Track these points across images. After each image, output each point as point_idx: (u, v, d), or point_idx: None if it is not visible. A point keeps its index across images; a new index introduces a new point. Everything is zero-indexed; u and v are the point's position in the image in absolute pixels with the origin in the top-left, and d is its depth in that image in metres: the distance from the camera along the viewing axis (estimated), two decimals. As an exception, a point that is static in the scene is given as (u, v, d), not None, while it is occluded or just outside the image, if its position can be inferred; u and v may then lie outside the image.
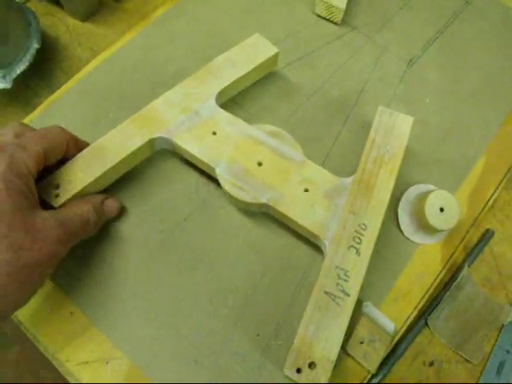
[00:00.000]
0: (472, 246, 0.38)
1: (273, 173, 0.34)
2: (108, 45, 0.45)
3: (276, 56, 0.39)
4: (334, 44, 0.45)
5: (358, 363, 0.32)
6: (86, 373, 0.32)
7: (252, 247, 0.35)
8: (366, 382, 0.33)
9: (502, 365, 0.35)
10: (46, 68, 0.44)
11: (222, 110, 0.36)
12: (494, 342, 0.36)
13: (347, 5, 0.44)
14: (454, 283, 0.36)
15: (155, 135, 0.35)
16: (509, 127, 0.42)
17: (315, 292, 0.31)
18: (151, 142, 0.35)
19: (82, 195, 0.33)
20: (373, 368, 0.32)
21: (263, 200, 0.33)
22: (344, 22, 0.46)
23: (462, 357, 0.35)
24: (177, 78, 0.39)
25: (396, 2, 0.48)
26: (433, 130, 0.41)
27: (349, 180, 0.34)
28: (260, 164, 0.34)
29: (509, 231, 0.39)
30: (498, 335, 0.36)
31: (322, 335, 0.29)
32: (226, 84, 0.37)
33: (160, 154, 0.38)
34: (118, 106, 0.41)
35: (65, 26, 0.47)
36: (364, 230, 0.32)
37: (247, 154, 0.35)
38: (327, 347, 0.29)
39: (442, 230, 0.35)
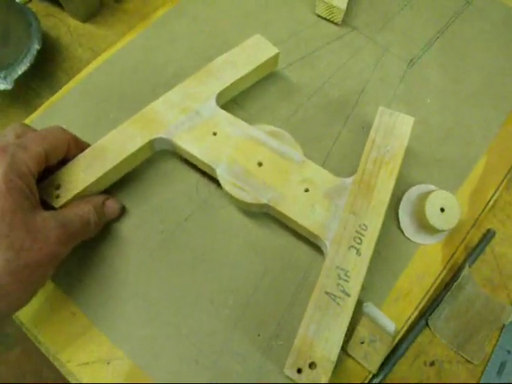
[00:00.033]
0: (473, 246, 0.38)
1: (273, 173, 0.34)
2: (108, 45, 0.45)
3: (276, 56, 0.39)
4: (334, 44, 0.45)
5: (359, 363, 0.32)
6: (87, 373, 0.32)
7: (252, 247, 0.35)
8: (366, 382, 0.33)
9: (503, 365, 0.35)
10: (46, 69, 0.45)
11: (222, 111, 0.36)
12: (495, 342, 0.36)
13: (348, 5, 0.44)
14: (455, 283, 0.36)
15: (155, 136, 0.35)
16: (510, 127, 0.42)
17: (316, 292, 0.31)
18: (151, 143, 0.35)
19: (82, 196, 0.33)
20: (373, 368, 0.32)
21: (263, 200, 0.33)
22: (344, 22, 0.46)
23: (462, 357, 0.35)
24: (177, 78, 0.39)
25: (396, 2, 0.48)
26: (434, 130, 0.41)
27: (349, 180, 0.34)
28: (260, 164, 0.34)
29: (510, 231, 0.39)
30: (499, 335, 0.36)
31: (322, 335, 0.29)
32: (227, 84, 0.37)
33: (160, 155, 0.38)
34: (119, 107, 0.41)
35: (65, 27, 0.47)
36: (364, 230, 0.32)
37: (247, 155, 0.35)
38: (328, 347, 0.29)
39: (443, 230, 0.35)
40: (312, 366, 0.29)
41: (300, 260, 0.35)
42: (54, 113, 0.40)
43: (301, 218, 0.33)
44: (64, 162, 0.33)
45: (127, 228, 0.36)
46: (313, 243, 0.35)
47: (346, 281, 0.31)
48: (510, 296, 0.37)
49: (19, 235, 0.26)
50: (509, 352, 0.36)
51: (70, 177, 0.32)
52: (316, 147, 0.39)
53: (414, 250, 0.36)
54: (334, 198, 0.34)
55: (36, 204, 0.29)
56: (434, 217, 0.34)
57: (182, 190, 0.37)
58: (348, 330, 0.30)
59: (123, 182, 0.36)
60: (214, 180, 0.36)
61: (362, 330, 0.32)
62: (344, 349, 0.32)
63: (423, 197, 0.36)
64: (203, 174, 0.37)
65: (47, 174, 0.32)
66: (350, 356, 0.32)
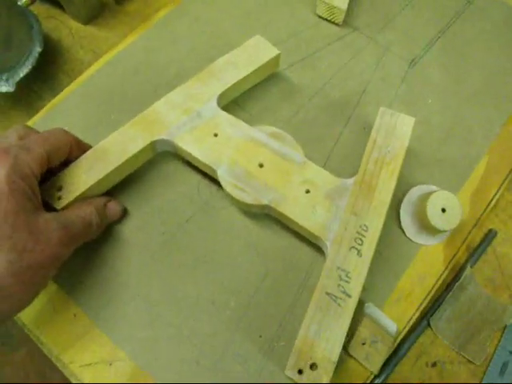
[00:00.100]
0: (475, 246, 0.38)
1: (274, 174, 0.34)
2: (110, 47, 0.45)
3: (277, 57, 0.40)
4: (335, 45, 0.45)
5: (361, 364, 0.32)
6: (89, 374, 0.32)
7: (254, 248, 0.36)
8: (368, 382, 0.33)
9: (505, 365, 0.35)
10: (48, 71, 0.45)
11: (223, 112, 0.36)
12: (496, 342, 0.36)
13: (348, 6, 0.44)
14: (457, 284, 0.36)
15: (157, 137, 0.35)
16: (511, 127, 0.42)
17: (316, 293, 0.31)
18: (153, 144, 0.35)
19: (84, 198, 0.33)
20: (375, 369, 0.32)
21: (264, 201, 0.33)
22: (345, 22, 0.46)
23: (464, 357, 0.35)
24: (179, 79, 0.39)
25: (397, 2, 0.48)
26: (435, 130, 0.41)
27: (350, 181, 0.34)
28: (261, 165, 0.34)
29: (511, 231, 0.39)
30: (501, 336, 0.36)
31: (323, 336, 0.29)
32: (228, 86, 0.37)
33: (162, 156, 0.38)
34: (120, 108, 0.41)
35: (67, 29, 0.47)
36: (365, 231, 0.32)
37: (248, 156, 0.35)
38: (328, 348, 0.29)
39: (444, 231, 0.35)
40: (313, 366, 0.29)
41: (301, 261, 0.35)
42: (56, 115, 0.41)
43: (302, 219, 0.33)
44: (66, 163, 0.33)
45: (129, 230, 0.36)
46: (314, 244, 0.35)
47: (346, 282, 0.31)
48: (512, 296, 0.37)
49: (22, 237, 0.26)
50: (511, 352, 0.35)
51: (71, 178, 0.33)
52: (317, 148, 0.39)
53: (416, 250, 0.36)
54: (334, 199, 0.34)
55: (38, 205, 0.29)
56: (435, 217, 0.34)
57: (184, 191, 0.37)
58: (349, 330, 0.30)
59: (125, 184, 0.37)
60: (216, 181, 0.36)
61: (363, 331, 0.32)
62: (345, 349, 0.32)
63: (424, 197, 0.36)
64: (204, 175, 0.37)
65: (49, 176, 0.32)
66: (351, 357, 0.32)
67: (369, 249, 0.32)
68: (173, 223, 0.36)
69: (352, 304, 0.30)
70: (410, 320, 0.34)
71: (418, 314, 0.35)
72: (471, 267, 0.37)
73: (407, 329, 0.34)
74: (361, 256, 0.32)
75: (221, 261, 0.35)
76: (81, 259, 0.35)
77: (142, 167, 0.37)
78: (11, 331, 0.93)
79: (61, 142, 0.32)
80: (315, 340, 0.29)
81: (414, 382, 0.34)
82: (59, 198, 0.32)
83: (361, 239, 0.32)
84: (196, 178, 0.38)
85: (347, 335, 0.30)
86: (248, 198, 0.33)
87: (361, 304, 0.33)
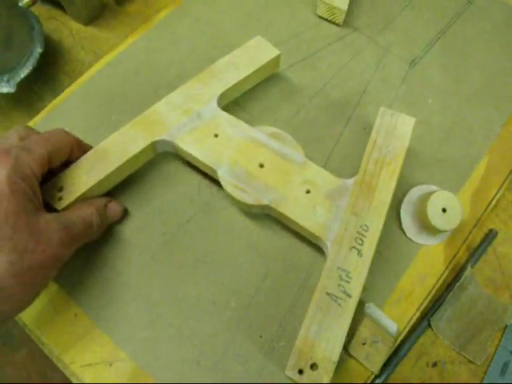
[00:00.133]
0: (475, 246, 0.38)
1: (274, 174, 0.34)
2: (111, 48, 0.45)
3: (278, 58, 0.40)
4: (335, 45, 0.45)
5: (361, 364, 0.32)
6: (90, 374, 0.32)
7: (254, 249, 0.36)
8: (369, 382, 0.33)
9: (505, 365, 0.35)
10: (49, 72, 0.45)
11: (223, 112, 0.36)
12: (497, 342, 0.36)
13: (349, 6, 0.44)
14: (457, 284, 0.36)
15: (157, 138, 0.35)
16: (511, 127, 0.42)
17: (317, 293, 0.31)
18: (153, 145, 0.35)
19: (85, 198, 0.33)
20: (375, 369, 0.32)
21: (265, 202, 0.33)
22: (346, 23, 0.46)
23: (465, 357, 0.35)
24: (179, 80, 0.39)
25: (398, 2, 0.48)
26: (435, 131, 0.41)
27: (350, 181, 0.34)
28: (262, 166, 0.34)
29: (512, 231, 0.39)
30: (502, 336, 0.36)
31: (323, 336, 0.29)
32: (228, 86, 0.37)
33: (162, 157, 0.38)
34: (121, 109, 0.41)
35: (68, 30, 0.47)
36: (366, 231, 0.32)
37: (249, 156, 0.35)
38: (329, 348, 0.29)
39: (445, 231, 0.35)
40: (313, 366, 0.29)
41: (301, 261, 0.35)
42: (57, 116, 0.41)
43: (302, 220, 0.33)
44: (67, 164, 0.33)
45: (129, 230, 0.36)
46: (314, 244, 0.35)
47: (347, 282, 0.31)
48: (513, 296, 0.37)
49: (22, 237, 0.26)
50: (511, 352, 0.35)
51: (72, 179, 0.33)
52: (317, 148, 0.39)
53: (416, 250, 0.36)
54: (335, 199, 0.34)
55: (39, 206, 0.29)
56: (435, 217, 0.34)
57: (184, 191, 0.37)
58: (350, 330, 0.30)
59: (125, 184, 0.37)
60: (216, 182, 0.36)
61: (363, 331, 0.32)
62: (346, 349, 0.32)
63: (425, 197, 0.36)
64: (205, 175, 0.37)
65: (50, 177, 0.32)
66: (351, 357, 0.32)
67: (369, 249, 0.32)
68: (173, 223, 0.36)
69: (352, 304, 0.30)
70: (410, 320, 0.34)
71: (418, 314, 0.35)
72: (472, 267, 0.37)
73: (408, 329, 0.34)
74: (361, 256, 0.32)
75: (221, 261, 0.35)
76: (81, 260, 0.35)
77: (143, 168, 0.37)
78: (12, 331, 0.94)
79: (61, 143, 0.32)
80: (316, 340, 0.29)
81: (414, 382, 0.34)
82: (60, 199, 0.32)
83: (361, 239, 0.32)
84: (196, 178, 0.38)
85: (348, 335, 0.30)
86: (248, 199, 0.33)
87: (361, 304, 0.33)
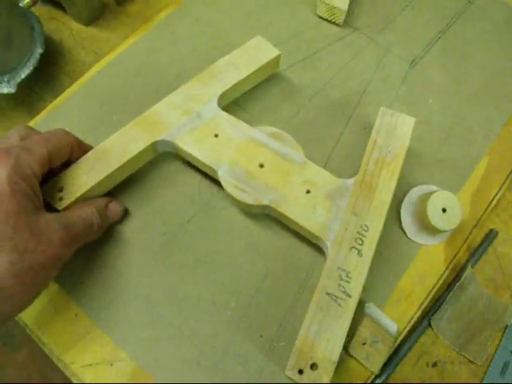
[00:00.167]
0: (475, 246, 0.38)
1: (274, 174, 0.34)
2: (111, 48, 0.46)
3: (278, 58, 0.40)
4: (335, 45, 0.45)
5: (361, 364, 0.32)
6: (90, 374, 0.32)
7: (254, 249, 0.36)
8: (369, 382, 0.33)
9: (506, 365, 0.35)
10: (50, 72, 0.45)
11: (223, 113, 0.36)
12: (497, 342, 0.36)
13: (349, 6, 0.44)
14: (458, 284, 0.36)
15: (158, 138, 0.35)
16: (512, 127, 0.42)
17: (317, 293, 0.31)
18: (154, 145, 0.36)
19: (85, 198, 0.33)
20: (375, 369, 0.32)
21: (265, 202, 0.33)
22: (346, 23, 0.46)
23: (465, 357, 0.35)
24: (180, 80, 0.39)
25: (398, 2, 0.48)
26: (435, 131, 0.41)
27: (350, 181, 0.34)
28: (262, 166, 0.34)
29: (512, 231, 0.39)
30: (502, 336, 0.36)
31: (323, 336, 0.29)
32: (228, 86, 0.37)
33: (163, 157, 0.38)
34: (122, 109, 0.41)
35: (68, 30, 0.47)
36: (366, 231, 0.32)
37: (249, 156, 0.35)
38: (329, 348, 0.29)
39: (445, 231, 0.35)
40: (313, 366, 0.29)
41: (302, 261, 0.35)
42: (57, 116, 0.41)
43: (302, 220, 0.33)
44: (67, 164, 0.33)
45: (130, 230, 0.36)
46: (314, 244, 0.35)
47: (347, 282, 0.31)
48: (513, 296, 0.37)
49: (23, 237, 0.27)
50: (512, 352, 0.36)
51: (72, 179, 0.33)
52: (317, 148, 0.39)
53: (416, 250, 0.36)
54: (335, 199, 0.34)
55: (40, 206, 0.29)
56: (435, 217, 0.34)
57: (185, 192, 0.38)
58: (350, 330, 0.30)
59: (126, 185, 0.37)
60: (216, 182, 0.36)
61: (363, 331, 0.32)
62: (346, 349, 0.32)
63: (425, 197, 0.36)
64: (205, 175, 0.38)
65: (50, 177, 0.32)
66: (351, 357, 0.32)
67: (369, 249, 0.32)
68: (174, 224, 0.36)
69: (352, 304, 0.30)
70: (410, 320, 0.34)
71: (418, 314, 0.35)
72: (472, 267, 0.37)
73: (408, 329, 0.34)
74: (361, 256, 0.32)
75: (221, 261, 0.35)
76: (82, 260, 0.35)
77: (143, 168, 0.37)
78: (13, 331, 0.94)
79: (62, 143, 0.32)
80: (316, 340, 0.29)
81: (414, 382, 0.34)
82: (60, 199, 0.32)
83: (361, 239, 0.32)
84: (197, 178, 0.38)
85: (348, 335, 0.30)
86: (248, 199, 0.33)
87: (361, 304, 0.33)
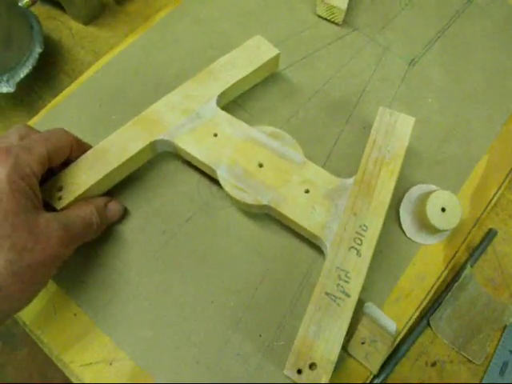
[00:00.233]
0: (475, 245, 0.38)
1: (273, 174, 0.34)
2: (111, 48, 0.45)
3: (277, 57, 0.40)
4: (335, 45, 0.45)
5: (360, 364, 0.32)
6: (89, 374, 0.32)
7: (254, 248, 0.36)
8: (368, 382, 0.33)
9: (505, 365, 0.35)
10: (49, 71, 0.45)
11: (222, 112, 0.36)
12: (497, 342, 0.36)
13: (348, 5, 0.44)
14: (457, 283, 0.36)
15: (157, 137, 0.35)
16: (511, 126, 0.42)
17: (316, 293, 0.31)
18: (153, 145, 0.35)
19: (84, 198, 0.33)
20: (375, 368, 0.32)
21: (264, 201, 0.33)
22: (345, 22, 0.46)
23: (464, 357, 0.35)
24: (179, 79, 0.39)
25: (397, 1, 0.48)
26: (435, 130, 0.41)
27: (350, 181, 0.34)
28: (261, 165, 0.34)
29: (512, 231, 0.39)
30: (501, 335, 0.36)
31: (322, 336, 0.29)
32: (228, 86, 0.37)
33: (162, 156, 0.38)
34: (121, 109, 0.41)
35: (68, 30, 0.47)
36: (365, 230, 0.32)
37: (248, 156, 0.35)
38: (328, 348, 0.29)
39: (444, 230, 0.35)
40: (312, 366, 0.29)
41: (301, 261, 0.35)
42: (57, 115, 0.41)
43: (301, 219, 0.33)
44: (66, 163, 0.33)
45: (129, 229, 0.36)
46: (313, 244, 0.35)
47: (346, 281, 0.31)
48: (513, 296, 0.37)
49: (22, 236, 0.27)
50: (511, 352, 0.35)
51: (72, 179, 0.33)
52: (317, 148, 0.39)
53: (416, 250, 0.36)
54: (334, 199, 0.34)
55: (39, 205, 0.29)
56: (435, 217, 0.34)
57: (184, 191, 0.38)
58: (349, 330, 0.30)
59: (125, 184, 0.37)
60: (216, 181, 0.36)
61: (362, 330, 0.32)
62: (345, 349, 0.32)
63: (424, 197, 0.36)
64: (204, 175, 0.37)
65: (50, 176, 0.32)
66: (351, 356, 0.32)
67: (368, 249, 0.32)
68: (173, 223, 0.36)
69: (351, 304, 0.30)
70: (409, 319, 0.34)
71: (417, 314, 0.35)
72: (471, 267, 0.37)
73: (407, 328, 0.34)
74: (360, 256, 0.32)
75: (220, 260, 0.35)
76: (81, 259, 0.35)
77: (143, 167, 0.37)
78: (13, 331, 0.94)
79: (61, 142, 0.32)
80: (314, 340, 0.29)
81: (413, 382, 0.34)
82: (59, 198, 0.32)
83: (360, 239, 0.32)
84: (196, 177, 0.38)
85: (347, 335, 0.30)
86: (247, 198, 0.33)
87: (360, 304, 0.33)
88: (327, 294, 0.31)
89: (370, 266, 0.32)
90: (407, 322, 0.34)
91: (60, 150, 0.32)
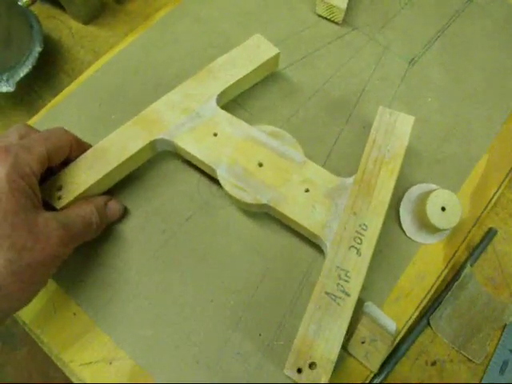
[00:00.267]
0: (475, 245, 0.38)
1: (273, 173, 0.34)
2: (110, 47, 0.45)
3: (277, 56, 0.40)
4: (335, 44, 0.45)
5: (360, 363, 0.32)
6: (89, 373, 0.32)
7: (253, 247, 0.36)
8: (367, 381, 0.33)
9: (505, 364, 0.35)
10: (48, 71, 0.45)
11: (222, 111, 0.36)
12: (497, 341, 0.36)
13: (348, 5, 0.44)
14: (457, 282, 0.36)
15: (157, 137, 0.35)
16: (511, 125, 0.42)
17: (316, 292, 0.31)
18: (153, 144, 0.35)
19: (84, 197, 0.33)
20: (374, 368, 0.32)
21: (264, 201, 0.33)
22: (345, 21, 0.46)
23: (464, 356, 0.35)
24: (179, 79, 0.39)
25: (397, 1, 0.48)
26: (435, 129, 0.41)
27: (350, 180, 0.34)
28: (261, 165, 0.34)
29: (512, 230, 0.39)
30: (501, 334, 0.36)
31: (322, 335, 0.29)
32: (227, 85, 0.37)
33: (162, 156, 0.38)
34: (121, 108, 0.41)
35: (67, 29, 0.47)
36: (365, 230, 0.32)
37: (248, 155, 0.35)
38: (328, 347, 0.29)
39: (444, 230, 0.35)
40: (312, 366, 0.29)
41: (301, 260, 0.35)
42: (56, 114, 0.41)
43: (301, 219, 0.33)
44: (66, 163, 0.33)
45: (129, 228, 0.36)
46: (313, 243, 0.35)
47: (346, 281, 0.31)
48: (512, 295, 0.37)
49: (21, 235, 0.26)
50: (511, 351, 0.35)
51: (71, 178, 0.33)
52: (317, 147, 0.39)
53: (416, 249, 0.36)
54: (334, 198, 0.34)
55: (38, 205, 0.29)
56: (435, 216, 0.34)
57: (184, 190, 0.38)
58: (349, 329, 0.30)
59: (125, 183, 0.37)
60: (216, 180, 0.36)
61: (362, 330, 0.32)
62: (345, 348, 0.32)
63: (424, 196, 0.36)
64: (204, 174, 0.37)
65: (49, 175, 0.32)
66: (350, 355, 0.32)
67: (368, 248, 0.32)
68: (173, 222, 0.36)
69: (351, 303, 0.30)
70: (409, 319, 0.34)
71: (417, 313, 0.35)
72: (471, 266, 0.37)
73: (407, 328, 0.34)
74: (360, 255, 0.32)
75: (220, 260, 0.35)
76: (81, 258, 0.35)
77: (142, 166, 0.37)
78: (12, 330, 0.94)
79: (61, 142, 0.32)
80: (314, 339, 0.29)
81: (413, 381, 0.34)
82: (59, 198, 0.32)
83: (360, 238, 0.32)
84: (196, 177, 0.38)
85: (347, 334, 0.30)
86: (247, 198, 0.33)
87: (360, 303, 0.33)
88: (327, 293, 0.31)
89: (369, 266, 0.32)
90: (407, 322, 0.34)
91: (60, 149, 0.32)
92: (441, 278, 0.36)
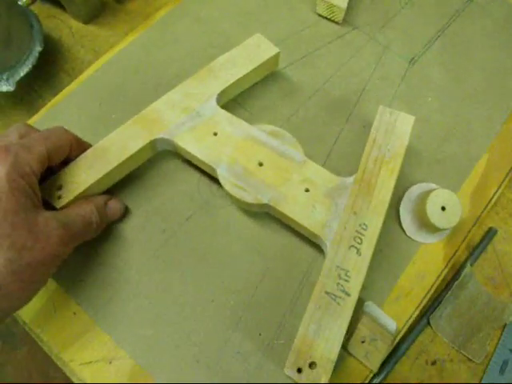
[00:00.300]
0: (475, 244, 0.38)
1: (274, 173, 0.34)
2: (111, 46, 0.45)
3: (277, 56, 0.40)
4: (335, 43, 0.45)
5: (360, 362, 0.32)
6: (89, 373, 0.32)
7: (254, 247, 0.36)
8: (367, 381, 0.33)
9: (505, 364, 0.35)
10: (49, 70, 0.45)
11: (222, 111, 0.36)
12: (497, 340, 0.36)
13: (348, 4, 0.44)
14: (457, 282, 0.36)
15: (157, 136, 0.35)
16: (511, 125, 0.42)
17: (316, 292, 0.31)
18: (153, 143, 0.35)
19: (84, 196, 0.33)
20: (374, 367, 0.32)
21: (264, 200, 0.33)
22: (345, 21, 0.46)
23: (464, 356, 0.35)
24: (179, 78, 0.39)
25: (397, 0, 0.48)
26: (435, 129, 0.41)
27: (350, 180, 0.34)
28: (261, 164, 0.34)
29: (512, 229, 0.39)
30: (501, 334, 0.36)
31: (322, 335, 0.29)
32: (227, 84, 0.37)
33: (162, 155, 0.38)
34: (121, 108, 0.41)
35: (68, 28, 0.47)
36: (365, 229, 0.32)
37: (248, 155, 0.35)
38: (328, 347, 0.29)
39: (444, 229, 0.35)
40: (312, 365, 0.29)
41: (301, 260, 0.35)
42: (56, 114, 0.41)
43: (301, 218, 0.33)
44: (66, 162, 0.33)
45: (129, 228, 0.36)
46: (313, 243, 0.35)
47: (346, 280, 0.31)
48: (513, 295, 0.37)
49: (21, 235, 0.27)
50: (511, 351, 0.35)
51: (71, 177, 0.33)
52: (317, 147, 0.39)
53: (416, 248, 0.36)
54: (334, 198, 0.34)
55: (38, 204, 0.29)
56: (435, 215, 0.34)
57: (184, 189, 0.37)
58: (349, 329, 0.30)
59: (125, 183, 0.37)
60: (216, 180, 0.36)
61: (362, 329, 0.32)
62: (345, 348, 0.32)
63: (424, 195, 0.36)
64: (204, 173, 0.37)
65: (49, 174, 0.32)
66: (351, 355, 0.32)
67: (368, 248, 0.32)
68: (173, 222, 0.36)
69: (351, 303, 0.30)
70: (409, 318, 0.34)
71: (417, 313, 0.35)
72: (471, 265, 0.37)
73: (407, 327, 0.34)
74: (360, 255, 0.32)
75: (221, 259, 0.35)
76: (81, 257, 0.35)
77: (143, 166, 0.37)
78: (13, 330, 0.94)
79: (61, 141, 0.32)
80: (314, 339, 0.29)
81: (413, 381, 0.34)
82: (59, 197, 0.32)
83: (360, 238, 0.32)
84: (196, 176, 0.38)
85: (347, 333, 0.30)
86: (247, 197, 0.33)
87: (360, 302, 0.33)
88: (327, 292, 0.31)
89: (369, 265, 0.32)
90: (407, 321, 0.34)
91: (60, 148, 0.32)
92: (441, 278, 0.36)
